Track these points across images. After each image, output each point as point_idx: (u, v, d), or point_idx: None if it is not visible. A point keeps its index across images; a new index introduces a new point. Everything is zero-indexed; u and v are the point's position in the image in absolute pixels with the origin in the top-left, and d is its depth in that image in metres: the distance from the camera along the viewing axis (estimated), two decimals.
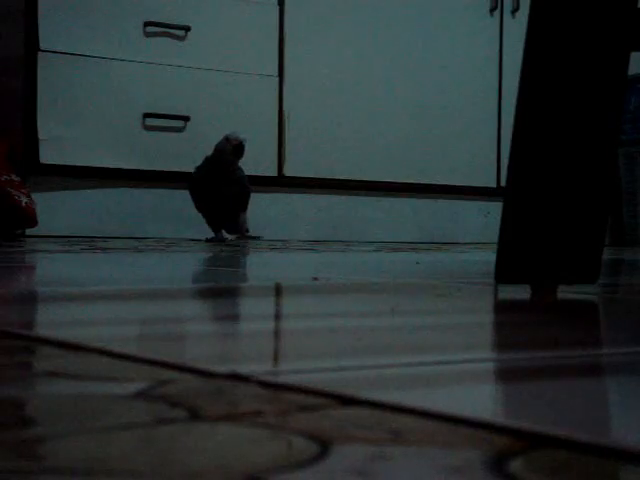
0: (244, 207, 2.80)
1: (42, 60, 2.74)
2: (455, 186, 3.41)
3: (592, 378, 0.51)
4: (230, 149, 2.70)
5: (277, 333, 0.72)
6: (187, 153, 2.96)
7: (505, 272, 1.03)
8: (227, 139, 2.72)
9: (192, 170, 2.96)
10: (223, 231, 2.81)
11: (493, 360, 0.59)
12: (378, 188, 3.28)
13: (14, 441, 0.34)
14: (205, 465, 0.31)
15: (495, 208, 3.34)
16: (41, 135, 2.74)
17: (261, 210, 2.96)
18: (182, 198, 2.91)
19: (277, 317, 0.82)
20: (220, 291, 1.10)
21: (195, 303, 0.95)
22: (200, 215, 2.79)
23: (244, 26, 3.03)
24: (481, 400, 0.45)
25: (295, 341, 0.67)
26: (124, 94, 2.86)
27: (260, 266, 1.77)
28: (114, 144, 2.85)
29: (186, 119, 2.95)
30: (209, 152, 3.01)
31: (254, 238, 2.81)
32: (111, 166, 2.85)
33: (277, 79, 3.09)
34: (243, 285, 1.19)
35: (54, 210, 2.79)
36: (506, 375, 0.52)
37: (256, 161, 2.96)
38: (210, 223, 2.80)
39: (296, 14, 3.11)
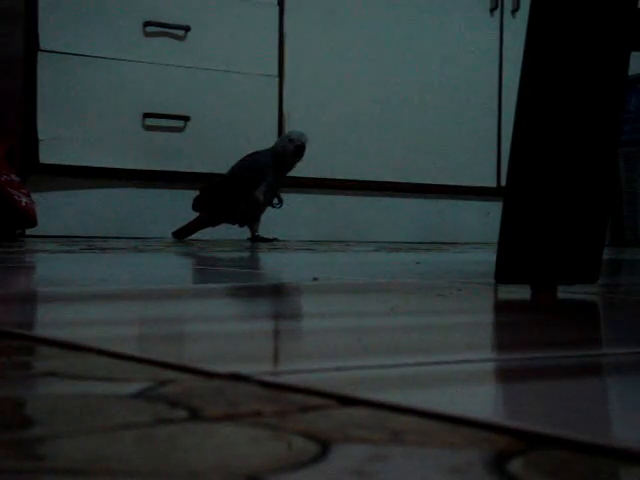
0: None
1: (42, 60, 2.74)
2: (455, 186, 3.41)
3: (592, 378, 0.51)
4: (292, 150, 2.70)
5: (277, 333, 0.72)
6: (187, 153, 2.96)
7: (505, 272, 1.03)
8: (290, 140, 2.71)
9: (190, 170, 2.96)
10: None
11: (493, 360, 0.59)
12: (378, 188, 3.28)
13: (14, 441, 0.34)
14: (205, 465, 0.31)
15: (495, 208, 3.34)
16: (41, 135, 2.74)
17: None
18: (182, 198, 2.91)
19: (277, 317, 0.82)
20: (220, 291, 1.10)
21: (194, 303, 0.94)
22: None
23: (244, 26, 3.03)
24: (481, 400, 0.45)
25: (295, 341, 0.67)
26: (124, 94, 2.86)
27: (260, 266, 1.77)
28: (114, 144, 2.85)
29: (186, 119, 2.95)
30: (209, 152, 3.01)
31: (267, 240, 2.79)
32: (111, 166, 2.85)
33: (277, 79, 3.09)
34: (243, 285, 1.19)
35: (54, 210, 2.79)
36: (506, 375, 0.52)
37: None
38: (248, 220, 2.78)
39: (296, 14, 3.11)
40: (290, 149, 2.69)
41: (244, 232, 2.84)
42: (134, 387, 0.44)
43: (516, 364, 0.54)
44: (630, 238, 3.52)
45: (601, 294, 1.06)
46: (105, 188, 2.88)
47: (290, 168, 2.75)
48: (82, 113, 2.80)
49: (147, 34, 2.90)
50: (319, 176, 3.16)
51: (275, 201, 2.80)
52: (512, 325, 0.77)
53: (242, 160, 2.76)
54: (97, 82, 2.82)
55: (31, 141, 2.74)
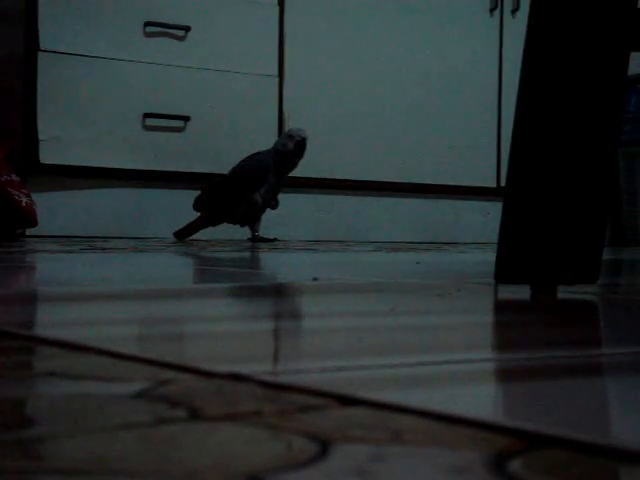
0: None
1: (42, 60, 2.74)
2: (455, 186, 3.41)
3: (592, 378, 0.51)
4: (292, 147, 2.68)
5: (277, 333, 0.72)
6: (187, 153, 2.96)
7: (505, 272, 1.03)
8: (290, 136, 2.69)
9: (190, 170, 2.96)
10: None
11: (493, 360, 0.59)
12: (378, 188, 3.28)
13: (14, 441, 0.34)
14: (205, 465, 0.31)
15: (495, 208, 3.34)
16: (41, 135, 2.74)
17: None
18: (182, 198, 2.91)
19: (277, 317, 0.82)
20: (220, 291, 1.10)
21: (194, 303, 0.94)
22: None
23: (244, 26, 3.03)
24: (481, 400, 0.45)
25: (295, 341, 0.67)
26: (124, 94, 2.86)
27: (260, 266, 1.77)
28: (114, 144, 2.85)
29: (186, 119, 2.95)
30: (209, 152, 3.01)
31: (268, 240, 2.78)
32: (111, 166, 2.85)
33: (277, 79, 3.09)
34: (243, 285, 1.19)
35: (54, 210, 2.79)
36: (506, 375, 0.52)
37: None
38: (249, 220, 2.76)
39: (296, 14, 3.11)
40: (290, 147, 2.68)
41: (244, 232, 2.84)
42: (134, 387, 0.44)
43: (516, 364, 0.54)
44: (630, 238, 3.52)
45: (601, 294, 1.06)
46: (105, 188, 2.88)
47: (292, 167, 2.74)
48: (82, 113, 2.80)
49: (147, 34, 2.90)
50: (319, 176, 3.16)
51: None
52: (512, 325, 0.77)
53: (243, 161, 2.76)
54: (97, 82, 2.82)
55: (31, 141, 2.74)
